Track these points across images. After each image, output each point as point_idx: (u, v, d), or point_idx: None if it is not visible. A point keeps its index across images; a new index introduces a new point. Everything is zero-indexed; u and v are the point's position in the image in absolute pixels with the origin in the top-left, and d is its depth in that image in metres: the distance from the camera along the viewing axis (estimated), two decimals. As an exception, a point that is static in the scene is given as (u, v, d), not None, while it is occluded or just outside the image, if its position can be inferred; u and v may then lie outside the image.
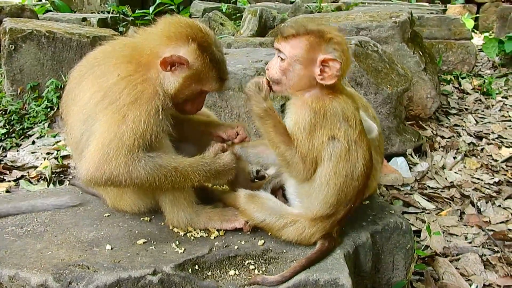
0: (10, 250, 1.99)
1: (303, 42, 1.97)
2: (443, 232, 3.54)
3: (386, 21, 5.35)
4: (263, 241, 2.14)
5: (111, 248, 2.03)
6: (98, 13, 9.12)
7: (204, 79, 2.14)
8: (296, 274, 1.95)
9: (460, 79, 7.25)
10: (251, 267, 2.00)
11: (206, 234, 2.19)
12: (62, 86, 5.27)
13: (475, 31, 12.10)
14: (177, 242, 2.10)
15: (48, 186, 3.92)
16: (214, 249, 2.06)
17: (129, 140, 1.95)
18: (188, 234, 2.19)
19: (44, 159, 4.47)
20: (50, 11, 9.06)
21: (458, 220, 3.77)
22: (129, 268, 1.86)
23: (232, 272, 1.97)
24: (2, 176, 4.25)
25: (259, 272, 1.97)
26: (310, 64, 1.97)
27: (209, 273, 1.95)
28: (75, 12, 9.44)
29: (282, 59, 2.02)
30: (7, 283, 1.83)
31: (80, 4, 9.92)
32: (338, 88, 2.04)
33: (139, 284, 1.83)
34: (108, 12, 8.75)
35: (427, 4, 11.90)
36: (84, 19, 7.31)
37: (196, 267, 1.95)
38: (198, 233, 2.19)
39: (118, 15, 8.03)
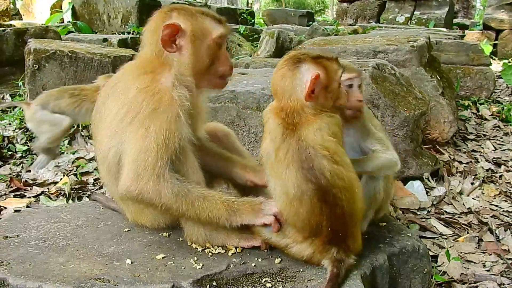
0: (34, 263, 2.03)
1: None
2: (461, 259, 3.49)
3: (404, 45, 5.37)
4: (280, 259, 2.15)
5: (131, 263, 2.06)
6: (118, 33, 9.34)
7: (205, 29, 2.18)
8: None
9: (478, 105, 7.20)
10: (268, 285, 2.00)
11: (224, 251, 2.21)
12: (83, 105, 5.39)
13: (494, 57, 12.06)
14: (195, 258, 2.12)
15: (67, 202, 3.98)
16: (232, 266, 2.07)
17: (153, 151, 2.00)
18: (206, 250, 2.21)
19: (64, 175, 4.55)
20: (72, 32, 9.28)
21: (476, 247, 3.71)
22: (149, 283, 1.89)
23: (249, 290, 1.97)
24: (22, 192, 4.33)
25: (275, 290, 1.98)
26: None
27: (226, 290, 1.96)
28: (96, 33, 9.68)
29: None
30: (31, 295, 1.87)
31: (101, 25, 10.18)
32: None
33: (158, 299, 1.85)
34: (128, 33, 8.95)
35: (445, 29, 11.94)
36: (105, 40, 7.49)
37: (214, 283, 1.96)
38: (216, 250, 2.21)
39: (138, 35, 8.20)
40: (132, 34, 8.66)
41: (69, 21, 10.43)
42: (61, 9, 12.50)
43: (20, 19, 16.30)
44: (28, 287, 1.87)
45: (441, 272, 3.18)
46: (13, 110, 5.85)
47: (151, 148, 2.01)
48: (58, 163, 4.76)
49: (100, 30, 10.06)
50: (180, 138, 2.07)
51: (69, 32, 9.24)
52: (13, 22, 13.05)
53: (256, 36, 8.63)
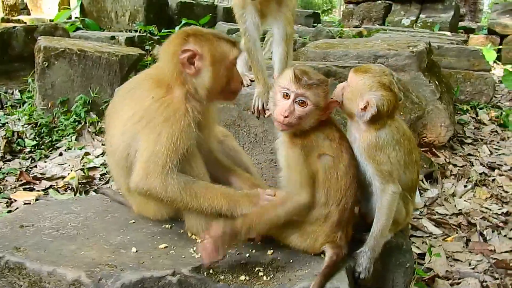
0: (48, 250, 2.22)
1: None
2: (448, 257, 3.66)
3: (404, 50, 5.51)
4: (272, 251, 2.33)
5: (136, 251, 2.24)
6: (126, 31, 9.48)
7: (222, 53, 2.36)
8: None
9: (477, 109, 7.31)
10: (260, 273, 2.19)
11: (221, 243, 2.38)
12: (90, 101, 5.55)
13: (498, 62, 12.13)
14: (195, 248, 2.29)
15: (74, 196, 4.17)
16: (228, 255, 2.24)
17: (163, 155, 2.23)
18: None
19: (71, 170, 4.73)
20: (80, 29, 9.41)
21: (464, 247, 3.88)
22: (152, 269, 2.07)
23: (242, 277, 2.15)
24: (31, 186, 4.51)
25: (267, 278, 2.16)
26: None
27: (222, 277, 2.13)
28: (103, 30, 9.82)
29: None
30: (46, 278, 2.05)
31: (109, 22, 10.32)
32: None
33: (160, 283, 2.03)
34: (136, 31, 9.08)
35: (449, 33, 12.03)
36: (113, 38, 7.63)
37: (211, 271, 2.14)
38: (213, 241, 2.39)
39: (145, 34, 8.33)
40: (139, 32, 8.80)
41: (77, 17, 10.57)
42: (69, 5, 12.70)
43: (28, 14, 16.45)
44: (43, 271, 2.06)
45: (426, 269, 3.35)
46: (22, 106, 6.02)
47: (161, 152, 2.23)
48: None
49: (108, 28, 10.21)
50: (189, 144, 2.29)
51: (77, 29, 9.36)
52: (21, 18, 13.23)
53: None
